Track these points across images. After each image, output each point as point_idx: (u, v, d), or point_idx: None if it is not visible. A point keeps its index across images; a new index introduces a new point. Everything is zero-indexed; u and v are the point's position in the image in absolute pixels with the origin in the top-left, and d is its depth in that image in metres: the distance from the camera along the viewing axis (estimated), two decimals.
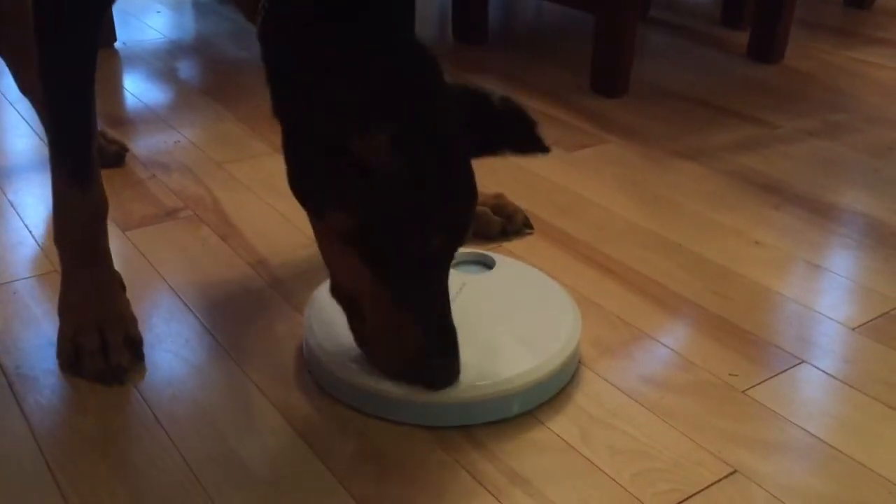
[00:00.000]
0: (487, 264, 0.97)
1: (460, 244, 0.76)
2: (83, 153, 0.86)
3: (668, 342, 0.91)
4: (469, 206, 0.75)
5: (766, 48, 1.76)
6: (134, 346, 0.85)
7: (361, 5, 0.69)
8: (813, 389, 0.85)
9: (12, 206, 1.16)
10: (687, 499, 0.71)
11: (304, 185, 0.75)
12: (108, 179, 1.21)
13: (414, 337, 0.74)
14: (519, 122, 0.78)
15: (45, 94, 0.84)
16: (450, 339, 0.76)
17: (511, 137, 0.80)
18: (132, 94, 1.59)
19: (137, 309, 0.90)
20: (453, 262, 0.90)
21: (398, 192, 0.70)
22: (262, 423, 0.79)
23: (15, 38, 1.22)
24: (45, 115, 0.85)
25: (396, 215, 0.71)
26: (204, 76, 1.74)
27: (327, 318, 0.85)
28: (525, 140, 0.79)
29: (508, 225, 1.10)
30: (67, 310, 0.86)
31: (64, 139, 0.85)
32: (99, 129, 1.34)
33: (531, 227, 1.11)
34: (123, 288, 0.91)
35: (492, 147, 0.79)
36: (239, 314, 0.94)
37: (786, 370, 0.87)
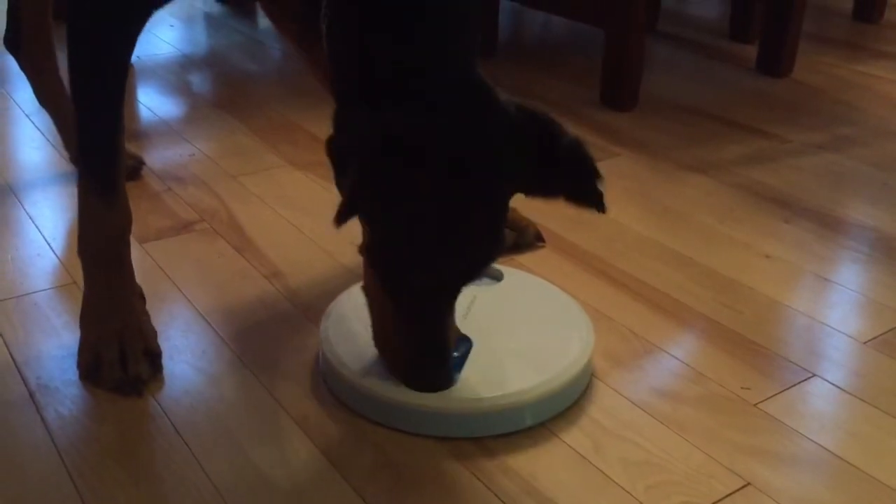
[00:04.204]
0: (496, 276, 0.98)
1: (463, 283, 0.76)
2: (110, 166, 0.87)
3: (680, 355, 0.92)
4: (469, 251, 0.73)
5: (774, 62, 1.77)
6: (152, 358, 0.87)
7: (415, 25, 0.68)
8: (824, 403, 0.86)
9: (31, 218, 1.17)
10: None
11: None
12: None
13: (405, 346, 0.77)
14: (582, 171, 0.72)
15: (75, 107, 0.85)
16: (436, 351, 0.77)
17: (569, 184, 0.73)
18: (147, 107, 1.61)
19: (155, 321, 0.91)
20: None
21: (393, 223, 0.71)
22: (279, 433, 0.80)
23: (36, 52, 1.25)
24: (74, 126, 0.86)
25: (390, 244, 0.72)
26: (217, 89, 1.76)
27: (343, 330, 0.87)
28: (583, 192, 0.73)
29: (520, 238, 1.10)
30: (89, 321, 0.87)
31: (92, 151, 0.87)
32: None
33: (543, 241, 1.12)
34: (144, 300, 0.92)
35: (545, 189, 0.75)
36: (255, 326, 0.96)
37: (797, 383, 0.88)
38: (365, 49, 0.69)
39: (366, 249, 0.75)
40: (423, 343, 0.77)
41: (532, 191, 0.75)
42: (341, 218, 0.67)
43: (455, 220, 0.71)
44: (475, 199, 0.71)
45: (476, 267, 0.75)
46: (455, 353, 0.83)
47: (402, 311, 0.76)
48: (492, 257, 0.75)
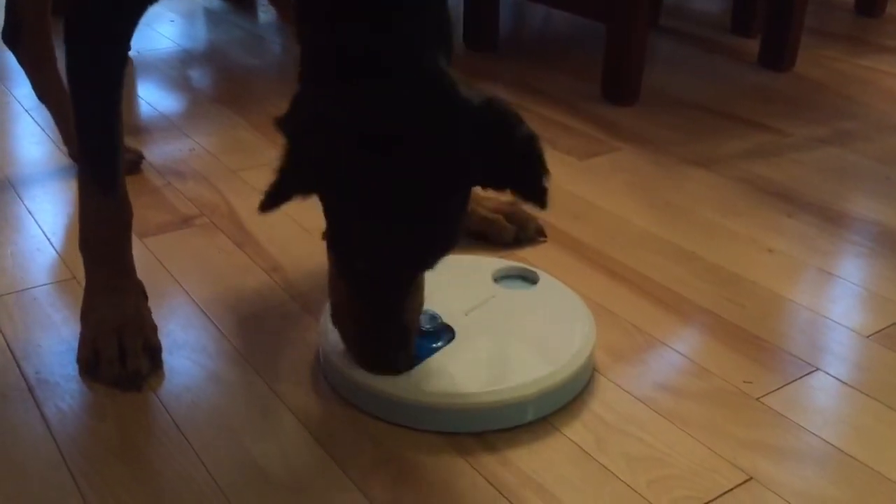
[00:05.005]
0: (531, 279, 0.97)
1: (415, 271, 0.76)
2: (110, 161, 0.87)
3: (682, 349, 0.92)
4: (405, 242, 0.72)
5: (776, 56, 1.77)
6: (152, 353, 0.86)
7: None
8: (827, 397, 0.85)
9: (30, 213, 1.17)
10: None
11: None
12: None
13: (359, 327, 0.79)
14: (531, 167, 0.71)
15: (73, 102, 0.85)
16: (388, 334, 0.78)
17: (517, 178, 0.72)
18: (147, 102, 1.60)
19: (154, 316, 0.91)
20: (497, 274, 0.95)
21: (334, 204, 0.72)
22: (279, 428, 0.80)
23: (35, 48, 1.24)
24: (73, 122, 0.86)
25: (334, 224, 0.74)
26: (216, 84, 1.75)
27: None
28: (529, 186, 0.72)
29: (521, 232, 1.10)
30: (89, 316, 0.87)
31: (91, 146, 0.87)
32: None
33: (544, 235, 1.12)
34: (145, 296, 0.92)
35: (496, 180, 0.73)
36: (255, 321, 0.95)
37: (800, 377, 0.87)
38: (328, 35, 0.70)
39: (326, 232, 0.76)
40: (374, 325, 0.77)
41: (485, 181, 0.74)
42: (271, 199, 0.68)
43: (407, 207, 0.70)
44: (429, 186, 0.70)
45: (429, 256, 0.74)
46: (438, 343, 0.84)
47: (355, 294, 0.76)
48: (447, 247, 0.74)
